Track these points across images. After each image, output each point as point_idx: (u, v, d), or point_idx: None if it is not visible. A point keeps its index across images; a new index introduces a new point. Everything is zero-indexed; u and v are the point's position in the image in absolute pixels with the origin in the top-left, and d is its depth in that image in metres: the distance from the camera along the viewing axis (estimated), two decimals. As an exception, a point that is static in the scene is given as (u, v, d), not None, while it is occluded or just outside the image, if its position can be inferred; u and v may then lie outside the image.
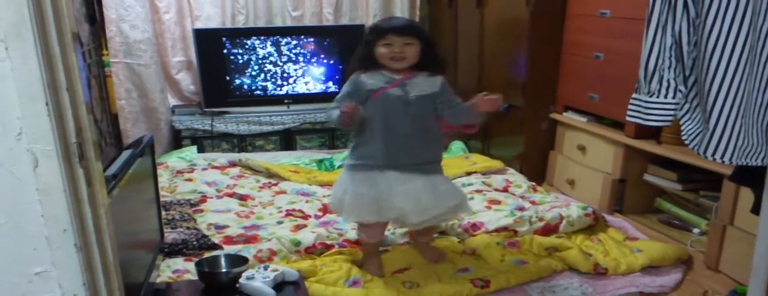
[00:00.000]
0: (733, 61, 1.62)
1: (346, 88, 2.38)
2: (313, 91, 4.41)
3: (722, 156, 1.70)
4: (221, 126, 4.23)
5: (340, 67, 4.37)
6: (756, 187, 1.83)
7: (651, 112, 1.84)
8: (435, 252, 2.61)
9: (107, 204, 1.28)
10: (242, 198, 3.30)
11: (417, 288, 2.35)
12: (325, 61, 4.40)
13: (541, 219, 2.85)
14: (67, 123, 1.15)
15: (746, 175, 1.82)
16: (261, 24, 4.47)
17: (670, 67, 1.77)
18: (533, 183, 3.51)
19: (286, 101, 4.36)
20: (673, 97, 1.80)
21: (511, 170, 3.70)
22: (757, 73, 1.60)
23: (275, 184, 3.54)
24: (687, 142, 1.80)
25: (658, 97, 1.81)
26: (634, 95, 1.90)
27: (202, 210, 3.05)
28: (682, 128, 1.82)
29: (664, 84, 1.79)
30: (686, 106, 1.80)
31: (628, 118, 1.92)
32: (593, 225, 2.92)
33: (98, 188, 1.23)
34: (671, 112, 1.82)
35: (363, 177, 2.36)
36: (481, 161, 3.77)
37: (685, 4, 1.69)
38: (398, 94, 2.32)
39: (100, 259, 1.25)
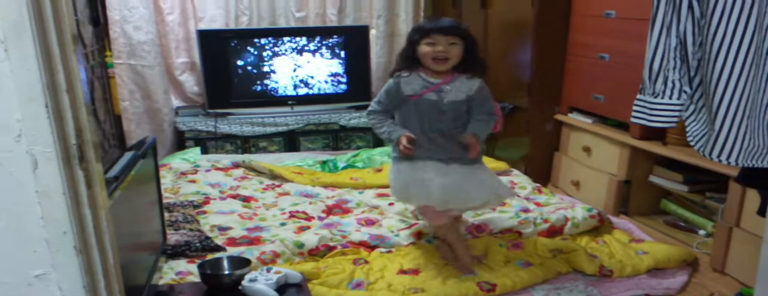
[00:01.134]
0: (739, 62, 1.60)
1: (382, 95, 2.44)
2: (317, 93, 4.40)
3: (728, 158, 1.68)
4: (225, 127, 4.22)
5: (344, 67, 4.36)
6: (763, 189, 1.82)
7: (656, 113, 1.82)
8: (463, 256, 2.51)
9: (108, 206, 1.27)
10: (246, 199, 3.29)
11: (421, 293, 2.33)
12: (328, 61, 4.39)
13: (545, 221, 2.83)
14: (67, 124, 1.14)
15: (753, 177, 1.81)
16: (264, 25, 4.46)
17: (675, 68, 1.76)
18: (538, 185, 3.49)
19: (289, 102, 4.35)
20: (678, 98, 1.78)
21: (515, 171, 3.68)
22: (763, 73, 1.59)
23: (279, 186, 3.53)
24: (692, 144, 1.79)
25: (662, 98, 1.80)
26: (638, 96, 1.88)
27: (205, 212, 3.04)
28: (688, 129, 1.80)
29: (669, 85, 1.77)
30: (691, 107, 1.79)
31: (632, 119, 1.90)
32: (598, 227, 2.91)
33: (98, 190, 1.22)
34: (676, 113, 1.80)
35: (407, 166, 2.43)
36: (486, 162, 3.75)
37: (690, 5, 1.68)
38: (433, 100, 2.35)
39: (100, 262, 1.24)
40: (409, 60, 2.37)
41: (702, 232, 2.85)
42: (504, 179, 3.47)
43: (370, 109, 2.49)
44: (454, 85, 2.37)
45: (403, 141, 2.33)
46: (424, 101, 2.37)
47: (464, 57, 2.35)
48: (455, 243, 2.51)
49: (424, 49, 2.31)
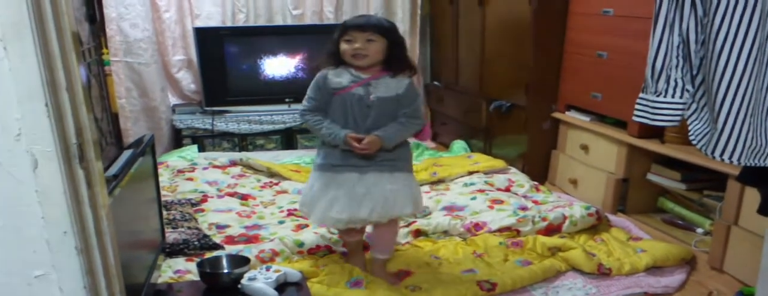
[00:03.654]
0: (742, 60, 1.60)
1: (311, 89, 2.36)
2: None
3: (730, 157, 1.68)
4: (222, 125, 4.21)
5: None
6: (764, 188, 1.81)
7: (658, 111, 1.82)
8: (385, 277, 2.45)
9: (108, 205, 1.26)
10: (243, 197, 3.28)
11: (419, 291, 2.33)
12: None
13: (543, 219, 2.83)
14: (67, 123, 1.13)
15: (754, 176, 1.80)
16: (261, 22, 4.45)
17: (677, 67, 1.75)
18: (536, 183, 3.49)
19: (287, 100, 4.34)
20: (681, 97, 1.78)
21: (513, 169, 3.68)
22: (766, 72, 1.58)
23: (276, 184, 3.52)
24: (694, 142, 1.78)
25: (665, 96, 1.79)
26: (640, 95, 1.88)
27: (203, 210, 3.03)
28: (690, 128, 1.80)
29: (672, 83, 1.77)
30: (693, 106, 1.78)
31: (634, 118, 1.90)
32: (596, 225, 2.91)
33: (99, 189, 1.22)
34: (679, 112, 1.80)
35: (324, 178, 2.34)
36: (483, 160, 3.75)
37: (693, 3, 1.68)
38: (360, 94, 2.28)
39: (101, 261, 1.23)
40: (333, 57, 2.32)
41: (700, 230, 2.86)
42: (501, 177, 3.49)
43: (302, 108, 2.38)
44: (382, 81, 2.30)
45: (353, 142, 2.23)
46: (351, 96, 2.28)
47: (388, 55, 2.29)
48: (361, 260, 2.49)
49: (343, 46, 2.27)
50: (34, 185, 1.12)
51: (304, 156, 4.04)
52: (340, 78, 2.30)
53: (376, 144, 2.25)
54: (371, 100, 2.28)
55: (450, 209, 3.02)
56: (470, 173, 3.54)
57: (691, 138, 1.80)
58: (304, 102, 2.38)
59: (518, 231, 2.79)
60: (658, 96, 1.81)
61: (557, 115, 3.61)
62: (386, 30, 2.29)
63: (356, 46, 2.24)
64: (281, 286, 2.05)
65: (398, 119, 2.31)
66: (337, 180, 2.30)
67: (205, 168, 3.67)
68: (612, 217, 3.08)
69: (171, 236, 2.58)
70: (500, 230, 2.79)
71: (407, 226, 2.79)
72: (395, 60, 2.31)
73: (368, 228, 2.51)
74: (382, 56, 2.28)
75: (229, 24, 4.38)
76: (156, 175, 2.24)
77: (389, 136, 2.27)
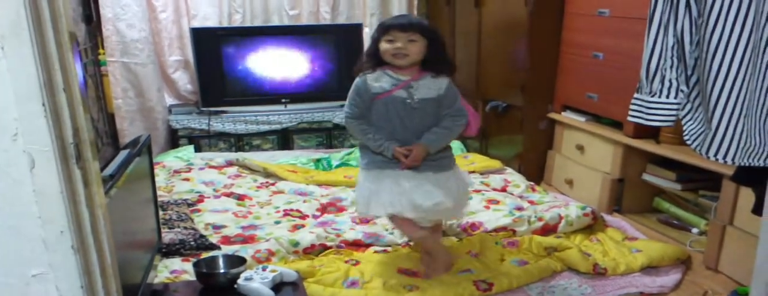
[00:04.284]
0: (736, 61, 1.61)
1: (353, 95, 2.35)
2: (311, 91, 4.39)
3: (725, 157, 1.69)
4: (218, 125, 4.21)
5: (337, 65, 4.35)
6: (758, 188, 1.82)
7: (653, 112, 1.83)
8: (443, 259, 2.49)
9: (105, 205, 1.26)
10: (240, 197, 3.29)
11: (417, 290, 2.33)
12: (322, 59, 4.38)
13: (539, 219, 2.84)
14: (64, 124, 1.13)
15: (748, 176, 1.82)
16: (258, 23, 4.45)
17: (672, 67, 1.76)
18: (532, 183, 3.50)
19: (283, 100, 4.34)
20: (675, 97, 1.79)
21: (509, 170, 3.69)
22: (760, 72, 1.59)
23: (273, 184, 3.53)
24: (689, 143, 1.79)
25: (660, 96, 1.80)
26: (635, 95, 1.89)
27: (199, 210, 3.04)
28: (684, 128, 1.81)
29: (666, 84, 1.78)
30: (688, 106, 1.79)
31: (629, 118, 1.91)
32: (592, 225, 2.92)
33: (95, 189, 1.22)
34: (673, 112, 1.81)
35: (375, 176, 2.36)
36: (479, 161, 3.76)
37: (688, 4, 1.69)
38: (403, 97, 2.29)
39: (97, 261, 1.23)
40: (374, 58, 2.32)
41: (695, 230, 2.87)
42: (497, 177, 3.50)
43: (347, 115, 2.38)
44: (423, 83, 2.31)
45: (401, 157, 2.27)
46: (394, 99, 2.29)
47: (428, 55, 2.30)
48: (436, 253, 2.48)
49: (383, 46, 2.27)
50: (31, 185, 1.12)
51: (300, 157, 4.05)
52: (380, 82, 2.31)
53: (422, 154, 2.29)
54: (415, 102, 2.30)
55: (446, 209, 3.02)
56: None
57: (685, 138, 1.81)
58: (347, 108, 2.38)
59: (514, 231, 2.80)
60: (652, 96, 1.82)
61: (553, 115, 3.62)
62: (427, 30, 2.30)
63: (398, 46, 2.25)
64: (277, 286, 2.05)
65: (442, 122, 2.34)
66: (390, 176, 2.33)
67: (201, 169, 3.67)
68: (608, 217, 3.09)
69: (167, 236, 2.58)
70: (496, 230, 2.80)
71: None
72: (436, 60, 2.33)
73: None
74: (422, 56, 2.30)
75: (225, 24, 4.38)
76: (152, 175, 2.24)
77: (434, 144, 2.32)
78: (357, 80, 2.35)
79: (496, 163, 3.71)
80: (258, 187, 3.48)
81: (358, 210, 2.55)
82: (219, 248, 2.60)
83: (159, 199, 2.59)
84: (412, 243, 2.68)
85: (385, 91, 2.30)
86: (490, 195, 3.16)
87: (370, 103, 2.32)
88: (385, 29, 2.28)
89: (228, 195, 3.30)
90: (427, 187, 2.31)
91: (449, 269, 2.47)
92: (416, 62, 2.30)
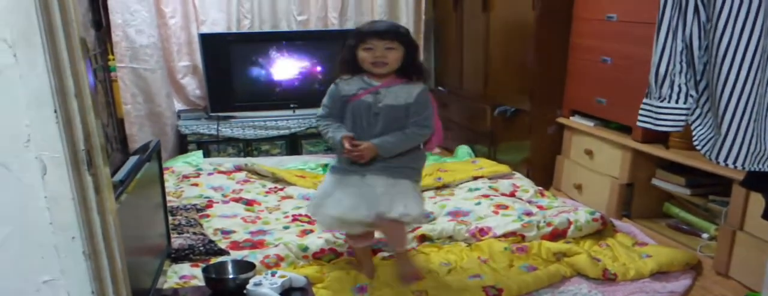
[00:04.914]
0: (745, 66, 1.60)
1: (325, 99, 2.39)
2: (319, 96, 4.38)
3: (734, 162, 1.68)
4: (227, 130, 4.23)
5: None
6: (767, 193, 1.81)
7: (662, 117, 1.82)
8: (409, 270, 2.45)
9: (115, 211, 1.27)
10: (248, 203, 3.29)
11: (426, 295, 2.33)
12: (330, 65, 4.39)
13: (548, 224, 2.83)
14: (76, 130, 1.14)
15: (758, 181, 1.81)
16: (266, 28, 4.47)
17: (681, 72, 1.76)
18: (540, 188, 3.49)
19: (291, 105, 4.35)
20: (685, 102, 1.78)
21: (517, 174, 3.68)
22: (770, 77, 1.59)
23: (281, 189, 3.53)
24: (699, 148, 1.79)
25: (669, 102, 1.80)
26: (644, 100, 1.88)
27: (208, 216, 3.04)
28: (694, 133, 1.80)
29: (675, 89, 1.77)
30: (697, 111, 1.79)
31: (638, 124, 1.90)
32: (601, 230, 2.90)
33: (107, 195, 1.22)
34: (683, 117, 1.80)
35: (333, 180, 2.38)
36: (487, 165, 3.76)
37: (696, 9, 1.68)
38: (368, 102, 2.29)
39: (108, 267, 1.23)
40: (350, 65, 2.31)
41: (705, 235, 2.85)
42: (506, 182, 3.49)
43: (318, 115, 2.42)
44: (393, 90, 2.28)
45: (346, 143, 2.25)
46: (360, 103, 2.29)
47: (404, 62, 2.28)
48: (369, 266, 2.49)
49: (362, 54, 2.26)
50: (42, 191, 1.13)
51: (309, 162, 4.05)
52: (349, 86, 2.32)
53: (369, 151, 2.26)
54: (378, 108, 2.28)
55: (455, 214, 3.02)
56: (475, 178, 3.55)
57: (695, 143, 1.80)
58: (320, 109, 2.41)
59: (523, 237, 2.79)
60: (662, 101, 1.81)
61: (562, 120, 3.61)
62: (404, 36, 2.29)
63: (377, 55, 2.24)
64: (286, 291, 2.05)
65: (404, 128, 2.30)
66: (343, 183, 2.33)
67: (210, 174, 3.67)
68: (617, 222, 3.07)
69: (176, 241, 2.58)
70: (505, 235, 2.79)
71: (412, 232, 2.79)
72: (410, 66, 2.31)
73: (376, 235, 2.52)
74: (399, 64, 2.28)
75: (234, 30, 4.40)
76: (162, 181, 2.25)
77: (386, 145, 2.28)
78: (331, 85, 2.38)
79: (504, 168, 3.71)
80: (267, 192, 3.48)
81: (309, 211, 2.60)
82: (228, 253, 2.60)
83: (168, 205, 2.60)
84: (419, 248, 2.68)
85: (352, 95, 2.30)
86: (498, 201, 3.15)
87: (343, 106, 2.33)
88: (362, 36, 2.27)
89: (237, 200, 3.31)
90: (371, 192, 2.29)
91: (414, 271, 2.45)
92: (394, 69, 2.29)
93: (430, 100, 2.36)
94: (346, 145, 2.25)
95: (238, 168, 3.78)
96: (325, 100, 2.40)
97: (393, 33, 2.26)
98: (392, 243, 2.48)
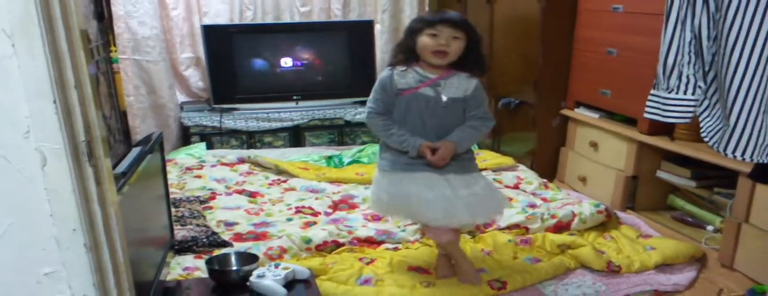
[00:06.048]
0: (755, 57, 1.58)
1: (377, 90, 2.26)
2: (322, 88, 4.39)
3: (743, 154, 1.67)
4: (230, 122, 4.22)
5: (349, 62, 4.34)
6: (775, 185, 1.80)
7: (670, 108, 1.81)
8: (468, 270, 2.37)
9: (117, 202, 1.26)
10: (252, 195, 3.28)
11: (432, 287, 2.32)
12: (333, 56, 4.37)
13: (553, 217, 2.82)
14: (76, 121, 1.13)
15: (766, 173, 1.79)
16: (269, 20, 4.44)
17: (689, 63, 1.74)
18: (545, 180, 3.48)
19: (294, 97, 4.34)
20: (693, 93, 1.77)
21: (522, 167, 3.67)
22: (779, 68, 1.57)
23: (284, 181, 3.52)
24: (706, 140, 1.77)
25: (677, 93, 1.78)
26: (652, 91, 1.86)
27: (211, 207, 3.04)
28: (702, 125, 1.79)
29: (684, 80, 1.76)
30: (706, 103, 1.77)
31: (646, 115, 1.88)
32: (606, 223, 2.89)
33: (108, 186, 1.21)
34: (691, 109, 1.79)
35: (399, 179, 2.25)
36: (491, 158, 3.74)
37: (705, -1, 1.66)
38: (430, 95, 2.19)
39: (110, 259, 1.23)
40: (407, 52, 2.21)
41: (710, 228, 2.84)
42: (510, 174, 3.48)
43: (368, 110, 2.28)
44: (451, 81, 2.21)
45: (427, 153, 2.17)
46: (420, 96, 2.19)
47: (466, 54, 2.20)
48: (460, 259, 2.38)
49: (425, 40, 2.16)
50: (43, 183, 1.12)
51: (312, 154, 4.04)
52: (405, 78, 2.21)
53: (450, 152, 2.20)
54: (444, 101, 2.21)
55: (458, 206, 3.01)
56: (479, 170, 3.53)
57: (702, 135, 1.78)
58: (370, 103, 2.28)
59: (527, 229, 2.78)
60: (670, 92, 1.79)
61: (566, 112, 3.60)
62: (471, 28, 2.21)
63: (441, 42, 2.15)
64: (290, 283, 2.05)
65: (469, 122, 2.25)
66: (418, 181, 2.22)
67: (213, 166, 3.67)
68: (621, 215, 3.06)
69: (179, 233, 2.58)
70: (509, 227, 2.78)
71: (415, 224, 2.78)
72: (472, 60, 2.23)
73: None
74: (458, 56, 2.20)
75: (236, 21, 4.38)
76: (164, 173, 2.24)
77: (463, 143, 2.24)
78: (383, 74, 2.26)
79: (508, 160, 3.69)
80: (270, 184, 3.47)
81: (371, 208, 2.49)
82: (231, 245, 2.60)
83: (171, 196, 2.59)
84: (423, 240, 2.67)
85: (410, 88, 2.20)
86: (502, 193, 3.14)
87: (394, 99, 2.23)
88: (430, 22, 2.17)
89: (240, 192, 3.30)
90: (445, 199, 2.20)
91: (476, 272, 2.39)
92: (451, 61, 2.20)
93: (485, 92, 2.31)
94: (428, 155, 2.17)
95: (241, 160, 3.78)
96: (376, 93, 2.26)
97: (464, 22, 2.19)
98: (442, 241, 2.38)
